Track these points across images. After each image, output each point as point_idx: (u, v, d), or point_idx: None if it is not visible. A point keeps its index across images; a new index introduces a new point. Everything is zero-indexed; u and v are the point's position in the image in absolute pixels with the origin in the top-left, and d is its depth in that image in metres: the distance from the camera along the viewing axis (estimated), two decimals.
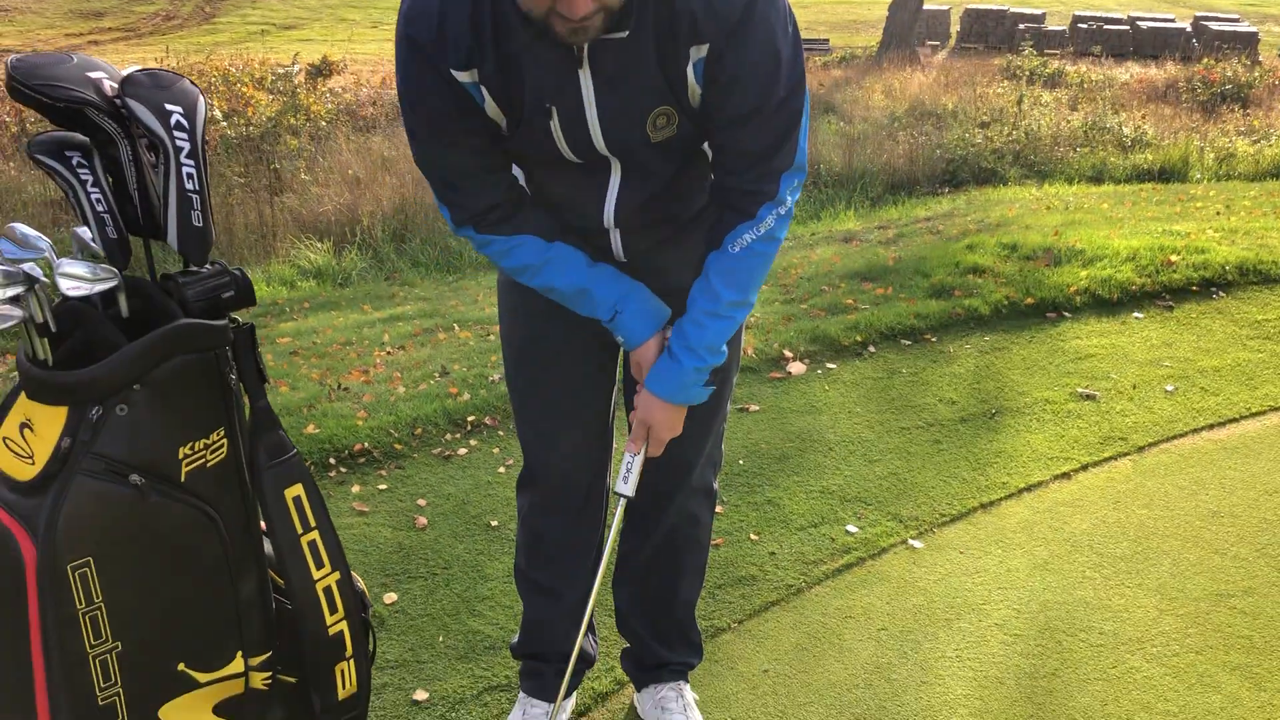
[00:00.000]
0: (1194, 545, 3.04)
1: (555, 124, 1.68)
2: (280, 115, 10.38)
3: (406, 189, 8.59)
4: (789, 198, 1.80)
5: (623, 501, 2.05)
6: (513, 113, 1.70)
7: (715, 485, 2.32)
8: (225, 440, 1.85)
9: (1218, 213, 6.54)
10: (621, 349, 2.14)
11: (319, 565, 2.01)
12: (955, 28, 23.21)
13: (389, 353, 4.70)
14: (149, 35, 21.02)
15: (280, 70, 12.72)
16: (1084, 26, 21.30)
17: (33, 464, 1.70)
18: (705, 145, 1.85)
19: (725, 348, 1.91)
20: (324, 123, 10.76)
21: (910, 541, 3.07)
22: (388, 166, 9.21)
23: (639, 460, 2.00)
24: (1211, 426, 3.74)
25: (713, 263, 1.83)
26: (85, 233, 1.79)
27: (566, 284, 1.87)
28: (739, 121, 1.70)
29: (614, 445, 2.29)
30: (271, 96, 11.21)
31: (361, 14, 24.86)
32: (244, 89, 11.14)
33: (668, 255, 1.95)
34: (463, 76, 1.64)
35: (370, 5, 26.15)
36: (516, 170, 1.90)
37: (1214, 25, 20.83)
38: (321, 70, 13.30)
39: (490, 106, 1.69)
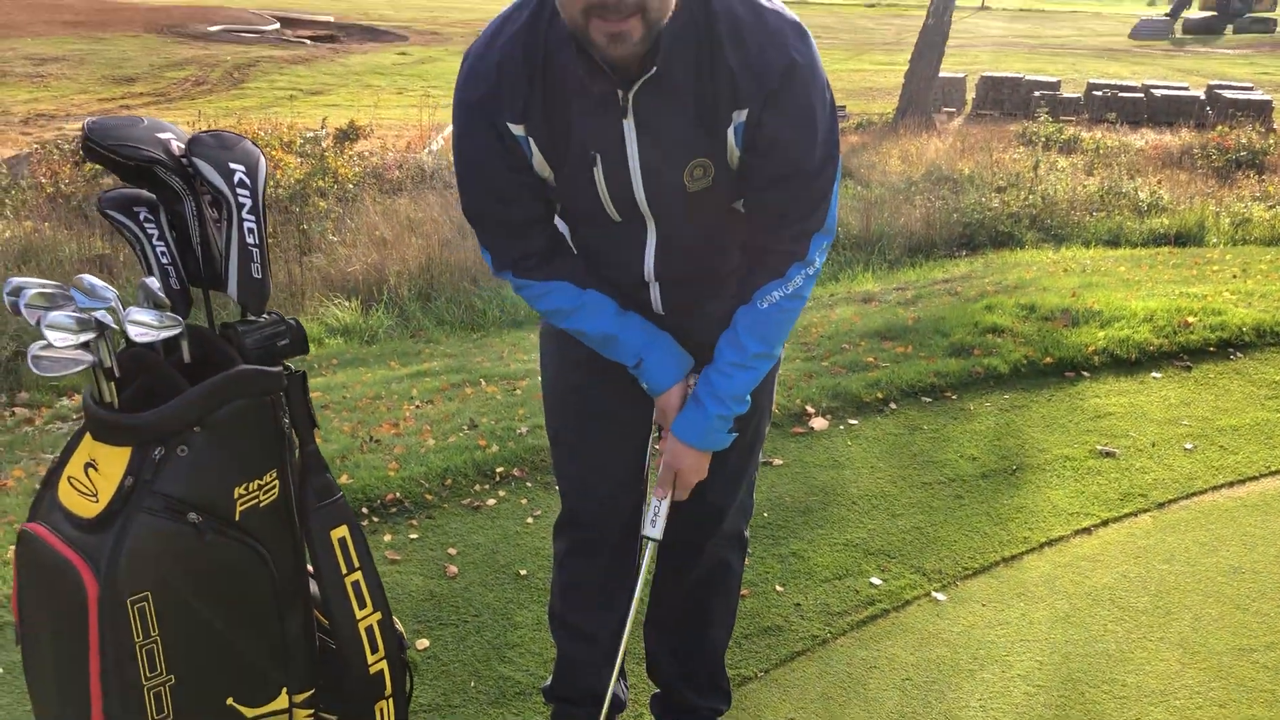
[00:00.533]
0: (1215, 600, 3.07)
1: (599, 171, 1.79)
2: (309, 178, 10.60)
3: (432, 249, 8.75)
4: (817, 259, 1.89)
5: (650, 545, 2.12)
6: (559, 165, 1.81)
7: (746, 533, 2.39)
8: (277, 481, 1.93)
9: (1234, 276, 6.61)
10: None
11: (361, 605, 2.08)
12: (971, 94, 23.49)
13: (418, 406, 4.79)
14: (179, 100, 21.49)
15: (309, 134, 13.01)
16: (1099, 94, 21.54)
17: (96, 502, 1.79)
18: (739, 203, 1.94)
19: (749, 397, 1.99)
20: (351, 185, 10.97)
21: (934, 594, 3.11)
22: (413, 228, 9.38)
23: (666, 504, 2.08)
24: (1231, 484, 3.78)
25: (741, 317, 1.92)
26: (153, 282, 1.89)
27: (595, 329, 1.96)
28: (774, 184, 1.80)
29: (648, 491, 2.36)
30: (300, 159, 11.45)
31: (387, 80, 25.36)
32: (273, 152, 11.40)
33: (705, 310, 2.03)
34: (516, 129, 1.77)
35: (395, 73, 26.69)
36: (562, 226, 2.00)
37: (1227, 94, 21.04)
38: (349, 134, 13.57)
39: (538, 159, 1.81)
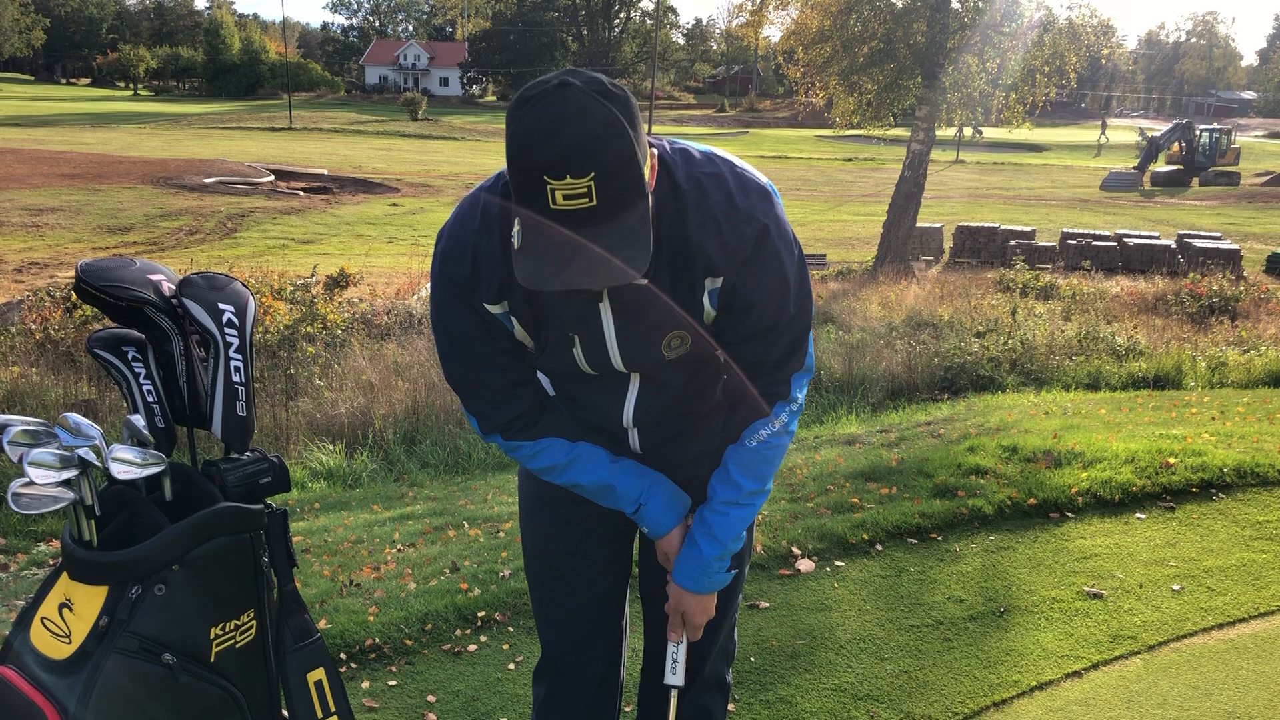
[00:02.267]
0: None
1: (578, 349, 1.84)
2: (298, 324, 10.73)
3: (418, 393, 8.79)
4: (799, 395, 1.93)
5: (674, 692, 2.11)
6: (539, 336, 1.84)
7: (728, 677, 2.36)
8: (255, 621, 1.91)
9: (1213, 418, 6.68)
10: (637, 538, 2.23)
11: None
12: (948, 243, 24.12)
13: (400, 550, 4.74)
14: (172, 249, 21.88)
15: (299, 281, 13.22)
16: (1073, 243, 22.15)
17: (69, 643, 1.76)
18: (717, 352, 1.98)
19: (744, 534, 2.00)
20: (340, 331, 11.10)
21: None
22: (400, 372, 9.45)
23: (683, 648, 2.09)
24: (1221, 626, 3.74)
25: (731, 456, 1.94)
26: (138, 420, 1.91)
27: (592, 481, 1.97)
28: (754, 338, 1.85)
29: (627, 636, 2.34)
30: (290, 306, 11.61)
31: (378, 230, 25.93)
32: (264, 299, 11.55)
33: (681, 448, 2.07)
34: (494, 309, 1.81)
35: (387, 223, 27.30)
36: (543, 377, 2.02)
37: (1198, 242, 21.67)
38: (339, 281, 13.79)
39: (519, 331, 1.85)
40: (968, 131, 62.25)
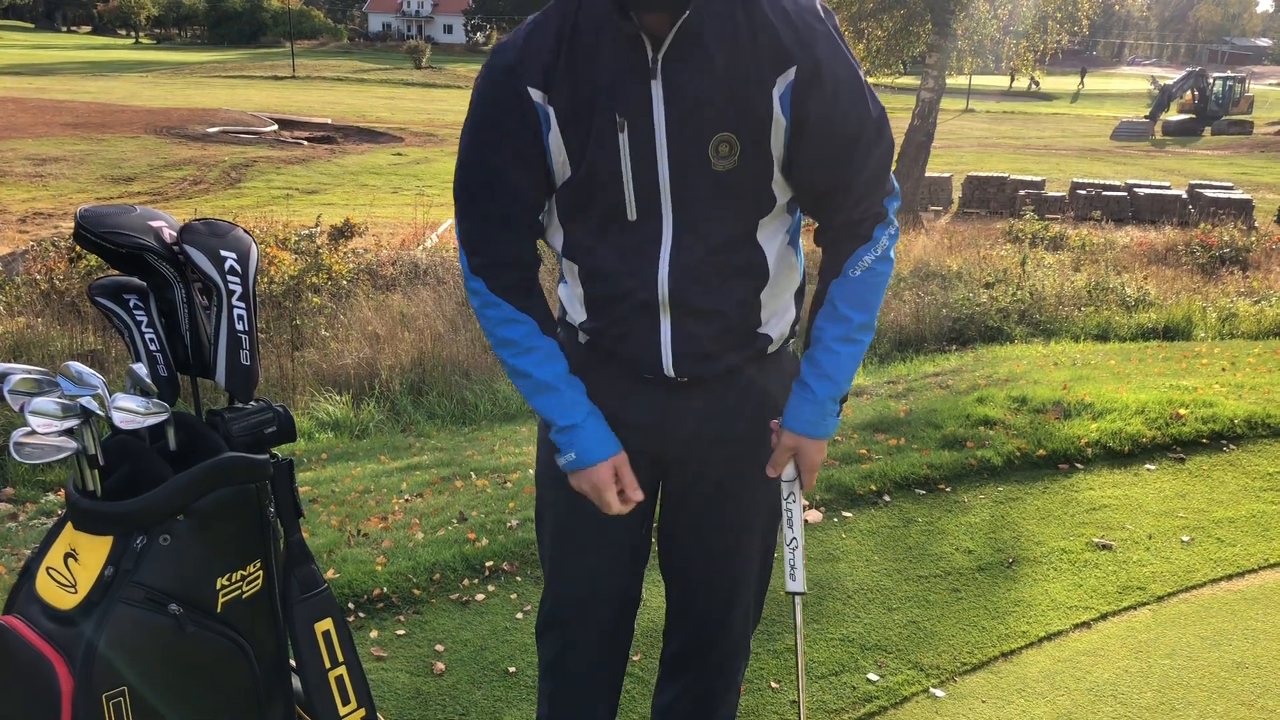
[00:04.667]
0: (1220, 696, 3.00)
1: (624, 139, 1.71)
2: (303, 274, 10.68)
3: (424, 344, 8.77)
4: (894, 219, 1.86)
5: (798, 599, 2.08)
6: (580, 141, 1.73)
7: (740, 677, 2.35)
8: (261, 572, 1.89)
9: (1223, 369, 6.64)
10: (658, 510, 2.17)
11: (345, 701, 2.02)
12: (957, 194, 23.93)
13: (407, 500, 4.74)
14: (176, 199, 21.79)
15: (304, 231, 13.14)
16: (1083, 193, 21.97)
17: (75, 593, 1.75)
18: (764, 242, 1.85)
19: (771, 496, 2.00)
20: (345, 281, 11.05)
21: (932, 690, 3.04)
22: (406, 323, 9.42)
23: (799, 553, 2.03)
24: (1230, 577, 3.73)
25: (835, 290, 1.85)
26: (141, 369, 1.88)
27: (541, 375, 1.87)
28: (840, 155, 1.75)
29: (641, 591, 2.28)
30: (295, 256, 11.54)
31: (383, 180, 25.77)
32: (268, 249, 11.49)
33: (723, 372, 1.92)
34: (535, 95, 1.71)
35: (391, 172, 27.14)
36: (567, 261, 1.91)
37: (1209, 192, 21.47)
38: (344, 232, 13.70)
39: (555, 137, 1.74)
40: (1024, 81, 62.09)
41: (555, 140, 1.74)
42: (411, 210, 17.73)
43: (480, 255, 1.85)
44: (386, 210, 20.00)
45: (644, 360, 1.89)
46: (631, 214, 1.77)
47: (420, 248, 13.67)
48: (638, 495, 1.92)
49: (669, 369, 1.88)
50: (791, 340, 2.05)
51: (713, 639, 2.22)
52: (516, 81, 1.72)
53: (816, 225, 1.90)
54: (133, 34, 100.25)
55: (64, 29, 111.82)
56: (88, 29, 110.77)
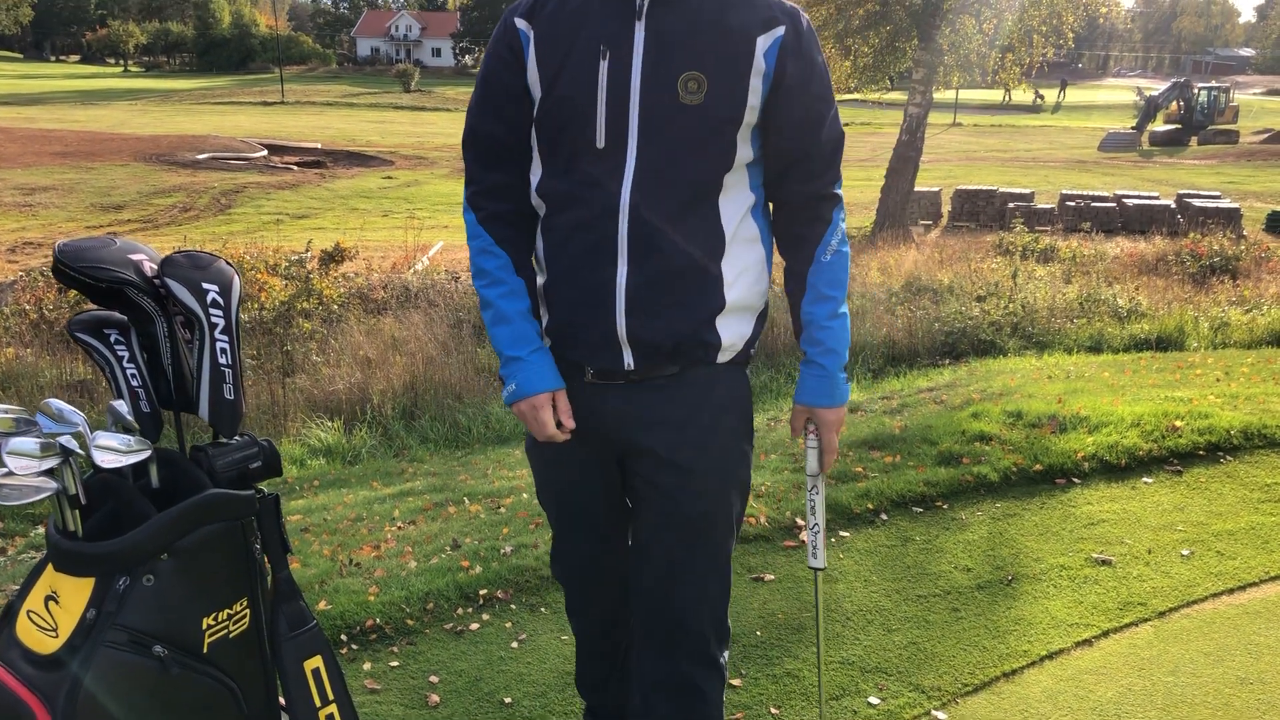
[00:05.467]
0: (1225, 713, 2.96)
1: (604, 67, 1.88)
2: (293, 299, 10.64)
3: (416, 367, 8.73)
4: (842, 201, 2.10)
5: (818, 575, 2.33)
6: (555, 69, 1.91)
7: (723, 659, 2.27)
8: (248, 610, 1.86)
9: (1217, 379, 6.63)
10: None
11: None
12: (946, 207, 23.97)
13: (400, 527, 4.69)
14: (166, 226, 21.74)
15: (294, 257, 13.10)
16: (1072, 204, 22.01)
17: (56, 637, 1.71)
18: (722, 198, 1.98)
19: (694, 484, 2.08)
20: (336, 306, 11.01)
21: (934, 713, 3.00)
22: (398, 347, 9.38)
23: (821, 536, 2.28)
24: (1231, 591, 3.70)
25: (814, 276, 2.07)
26: (121, 406, 1.85)
27: (503, 307, 2.03)
28: (809, 121, 1.97)
29: None
30: (285, 282, 11.50)
31: (373, 203, 25.75)
32: (258, 275, 11.45)
33: (671, 288, 1.98)
34: (520, 24, 1.95)
35: (381, 196, 27.12)
36: (538, 199, 2.03)
37: (1197, 202, 21.53)
38: (334, 256, 13.66)
39: (531, 57, 1.93)
40: (1030, 95, 62.74)
41: (531, 60, 1.94)
42: (402, 233, 17.72)
43: (474, 184, 2.07)
44: (377, 233, 19.99)
45: (596, 332, 1.98)
46: (600, 140, 1.90)
47: (411, 270, 13.64)
48: (571, 423, 2.04)
49: (622, 332, 1.96)
50: (745, 365, 2.15)
51: (676, 626, 2.21)
52: (509, 18, 1.98)
53: (780, 213, 2.09)
54: (121, 62, 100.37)
55: (53, 58, 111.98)
56: (76, 58, 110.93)
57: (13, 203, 23.98)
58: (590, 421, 2.07)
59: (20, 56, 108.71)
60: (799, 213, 2.05)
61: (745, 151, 1.95)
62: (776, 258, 2.14)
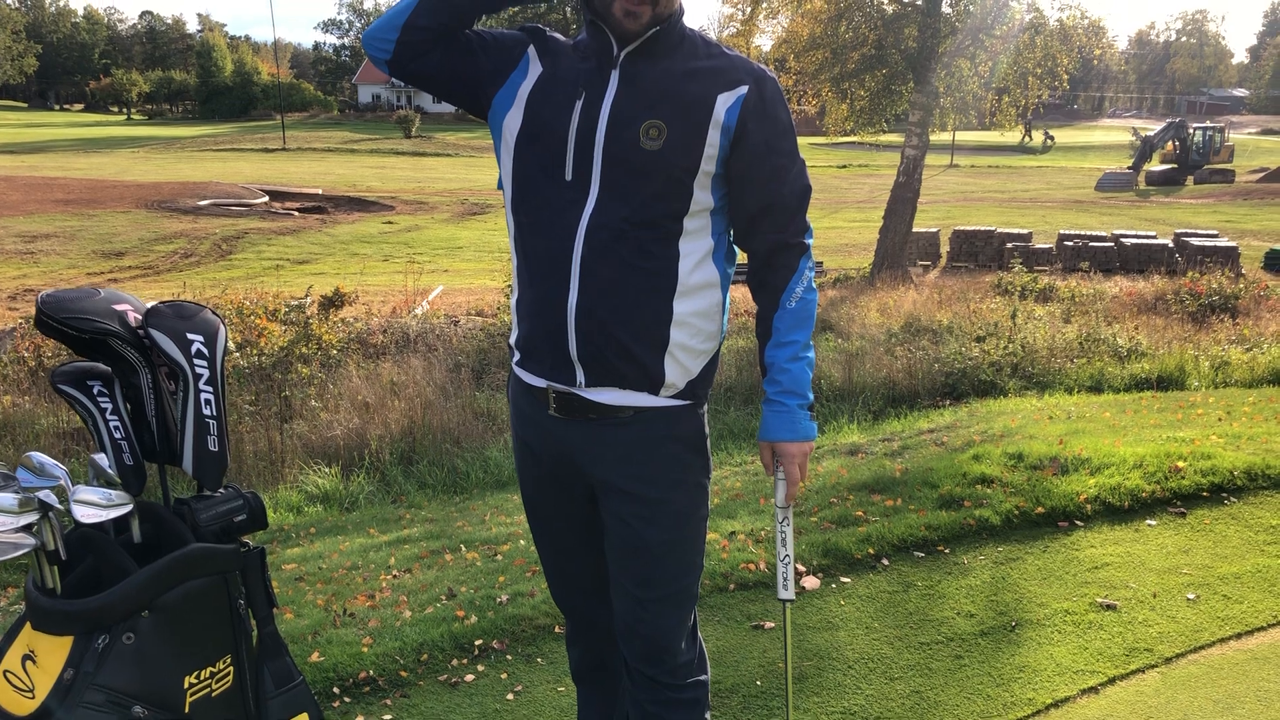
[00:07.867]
0: None
1: (578, 106, 2.01)
2: (292, 345, 10.61)
3: (415, 412, 8.69)
4: (812, 250, 2.20)
5: (787, 607, 2.34)
6: (540, 101, 2.04)
7: (703, 677, 2.37)
8: (232, 668, 1.81)
9: (1219, 419, 6.58)
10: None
11: None
12: (945, 248, 24.03)
13: (395, 576, 4.63)
14: (167, 272, 21.78)
15: (293, 302, 13.10)
16: (1070, 244, 22.07)
17: (32, 698, 1.66)
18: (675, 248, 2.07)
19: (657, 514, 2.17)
20: (335, 351, 10.98)
21: None
22: (397, 391, 9.35)
23: (791, 568, 2.31)
24: (1239, 635, 3.64)
25: (780, 321, 2.17)
26: (102, 459, 1.81)
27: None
28: (776, 172, 2.07)
29: None
30: (284, 327, 11.48)
31: (374, 248, 25.83)
32: (257, 321, 11.44)
33: (616, 306, 2.04)
34: (532, 54, 2.08)
35: (382, 241, 27.21)
36: (510, 187, 2.13)
37: (1195, 240, 21.58)
38: (334, 301, 13.67)
39: (523, 92, 2.05)
40: (1039, 138, 63.39)
41: (524, 88, 2.06)
42: (402, 278, 17.75)
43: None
44: (377, 278, 20.02)
45: (553, 347, 2.06)
46: (568, 173, 2.02)
47: (411, 315, 13.64)
48: None
49: (574, 350, 2.05)
50: (700, 406, 2.21)
51: (647, 645, 2.30)
52: (534, 37, 2.11)
53: (751, 261, 2.19)
54: (125, 111, 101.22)
55: (57, 107, 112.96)
56: (80, 106, 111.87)
57: (14, 250, 24.06)
58: (560, 453, 2.19)
59: (25, 105, 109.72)
60: (767, 261, 2.16)
61: (704, 198, 2.05)
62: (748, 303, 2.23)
